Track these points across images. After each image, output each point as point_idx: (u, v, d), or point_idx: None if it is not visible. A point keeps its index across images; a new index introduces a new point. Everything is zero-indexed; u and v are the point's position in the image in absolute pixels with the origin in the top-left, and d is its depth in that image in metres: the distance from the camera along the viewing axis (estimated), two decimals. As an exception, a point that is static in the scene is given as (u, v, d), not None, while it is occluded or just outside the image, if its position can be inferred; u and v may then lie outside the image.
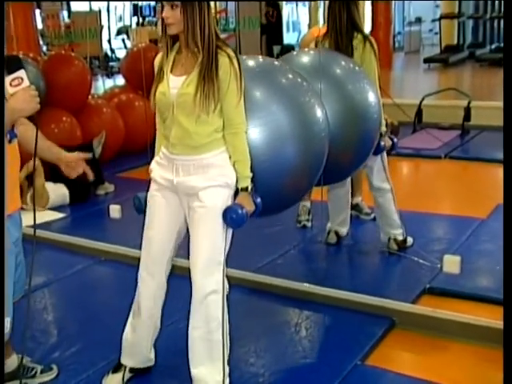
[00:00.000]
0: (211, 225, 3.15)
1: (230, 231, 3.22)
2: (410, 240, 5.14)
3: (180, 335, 3.41)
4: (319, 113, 3.68)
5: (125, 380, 3.50)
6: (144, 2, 21.47)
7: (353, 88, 4.24)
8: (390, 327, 4.02)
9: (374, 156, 4.73)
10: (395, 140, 4.87)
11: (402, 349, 3.93)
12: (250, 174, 3.20)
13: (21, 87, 2.65)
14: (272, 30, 16.98)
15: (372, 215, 5.80)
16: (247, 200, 3.19)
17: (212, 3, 3.19)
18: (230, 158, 3.17)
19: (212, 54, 3.04)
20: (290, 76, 3.71)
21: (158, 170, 3.30)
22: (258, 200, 3.24)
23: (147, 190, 3.38)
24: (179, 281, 3.46)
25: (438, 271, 4.60)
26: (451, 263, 4.37)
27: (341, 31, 4.70)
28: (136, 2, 23.79)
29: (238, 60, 3.10)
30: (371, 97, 4.31)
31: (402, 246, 5.07)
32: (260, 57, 3.91)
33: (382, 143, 4.65)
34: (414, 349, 3.90)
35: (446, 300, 4.32)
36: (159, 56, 3.24)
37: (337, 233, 5.29)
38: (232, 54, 3.08)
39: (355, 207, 5.92)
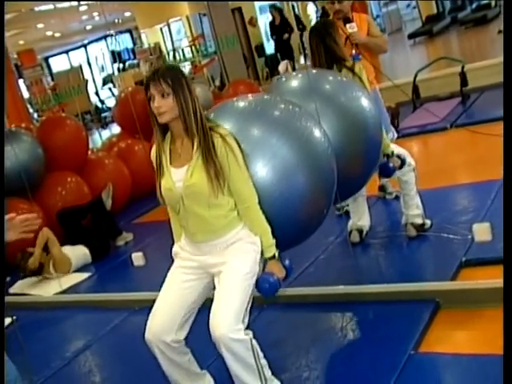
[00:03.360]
0: (236, 283, 3.11)
1: (250, 289, 3.16)
2: (427, 222, 5.00)
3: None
4: (318, 133, 3.64)
5: None
6: (122, 47, 21.64)
7: (345, 99, 4.19)
8: (435, 309, 3.94)
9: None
10: (402, 157, 4.72)
11: (452, 328, 3.83)
12: (273, 242, 3.20)
13: None
14: (284, 46, 16.71)
15: (394, 194, 5.78)
16: (277, 267, 3.20)
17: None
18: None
19: (207, 135, 3.06)
20: (282, 106, 3.68)
21: (185, 251, 3.30)
22: (287, 262, 3.27)
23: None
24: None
25: (470, 242, 4.52)
26: (482, 231, 4.30)
27: (320, 65, 4.65)
28: (114, 49, 23.93)
29: (232, 136, 3.11)
30: (365, 102, 4.24)
31: (421, 230, 4.94)
32: (249, 95, 3.87)
33: (391, 165, 4.58)
34: (464, 325, 3.82)
35: (484, 269, 4.23)
36: (154, 149, 3.24)
37: (359, 230, 5.18)
38: (224, 132, 3.11)
39: (380, 188, 5.82)
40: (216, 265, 3.19)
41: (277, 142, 3.41)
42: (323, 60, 4.64)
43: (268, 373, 3.19)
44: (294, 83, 4.37)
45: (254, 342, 3.07)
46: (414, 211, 4.95)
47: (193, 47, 9.26)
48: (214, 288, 3.23)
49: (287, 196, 3.37)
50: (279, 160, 3.38)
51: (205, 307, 3.31)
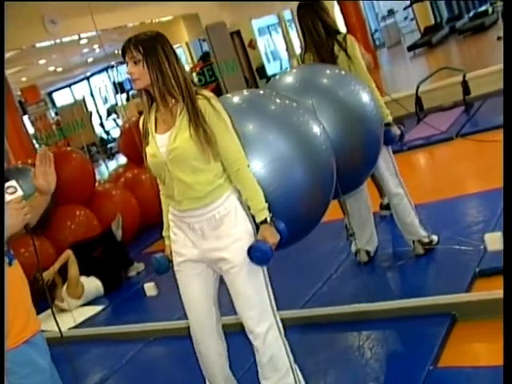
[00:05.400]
0: (248, 280, 3.14)
1: (266, 274, 3.19)
2: (435, 238, 4.93)
3: None
4: (316, 128, 3.62)
5: None
6: (123, 77, 21.67)
7: (344, 93, 4.18)
8: (451, 322, 3.90)
9: (386, 154, 4.66)
10: (403, 128, 4.76)
11: (470, 341, 3.79)
12: (266, 205, 3.13)
13: (15, 196, 2.57)
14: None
15: None
16: (269, 232, 3.11)
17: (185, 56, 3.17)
18: (238, 196, 3.14)
19: (192, 99, 3.02)
20: (278, 100, 3.67)
21: (177, 242, 3.26)
22: (282, 226, 3.17)
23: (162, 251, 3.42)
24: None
25: (482, 253, 4.48)
26: (494, 241, 4.25)
27: (320, 41, 4.66)
28: (116, 80, 24.01)
29: (216, 99, 3.08)
30: (364, 97, 4.23)
31: (428, 248, 4.87)
32: (244, 91, 3.87)
33: (392, 132, 4.59)
34: (483, 337, 3.77)
35: (499, 279, 4.16)
36: (141, 117, 3.22)
37: (367, 252, 5.11)
38: (209, 94, 3.07)
39: (387, 207, 5.82)
40: (212, 257, 3.15)
41: (273, 137, 3.40)
42: (322, 35, 4.64)
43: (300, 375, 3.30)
44: (290, 79, 4.37)
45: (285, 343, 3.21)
46: (418, 233, 4.89)
47: (194, 74, 9.28)
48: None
49: (284, 187, 3.35)
50: (276, 155, 3.36)
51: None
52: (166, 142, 3.04)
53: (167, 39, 3.09)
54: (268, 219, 3.11)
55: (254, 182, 3.13)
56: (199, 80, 9.49)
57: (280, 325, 3.24)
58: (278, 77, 4.89)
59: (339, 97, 4.14)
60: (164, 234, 3.40)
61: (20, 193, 2.59)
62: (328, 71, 4.36)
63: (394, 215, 5.02)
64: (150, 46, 3.00)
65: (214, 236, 3.12)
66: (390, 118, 4.61)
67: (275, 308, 3.22)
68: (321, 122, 3.74)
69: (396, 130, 4.67)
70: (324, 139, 3.64)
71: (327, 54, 4.64)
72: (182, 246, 3.23)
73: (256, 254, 3.07)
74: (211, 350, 3.37)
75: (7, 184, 2.57)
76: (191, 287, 3.29)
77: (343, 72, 4.40)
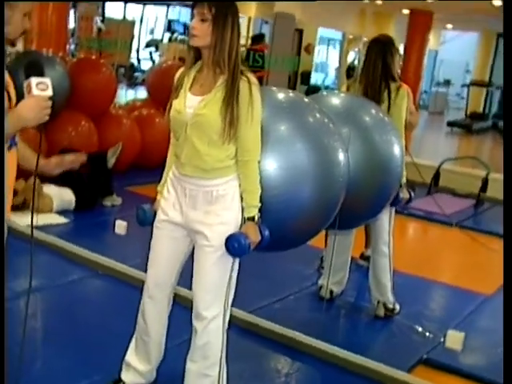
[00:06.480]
0: (217, 264, 3.13)
1: (236, 269, 3.18)
2: (397, 308, 4.95)
3: (181, 362, 3.34)
4: (341, 157, 3.60)
5: None
6: (177, 18, 21.57)
7: (379, 138, 4.15)
8: (380, 394, 3.90)
9: (388, 210, 4.66)
10: (413, 194, 4.76)
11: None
12: (259, 205, 3.13)
13: (44, 94, 2.54)
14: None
15: None
16: (253, 230, 3.10)
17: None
18: (239, 185, 3.12)
19: (236, 77, 3.00)
20: (318, 116, 3.63)
21: (167, 200, 3.25)
22: (266, 233, 3.15)
23: (152, 202, 3.38)
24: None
25: (437, 344, 4.49)
26: (455, 339, 4.22)
27: (373, 80, 4.67)
28: (171, 18, 23.89)
29: (257, 87, 3.05)
30: (396, 150, 4.21)
31: (389, 314, 4.89)
32: (291, 91, 3.85)
33: (401, 195, 4.56)
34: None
35: (441, 374, 4.21)
36: (180, 71, 3.20)
37: (331, 291, 5.10)
38: (253, 79, 3.05)
39: (367, 259, 5.84)
40: (194, 228, 3.14)
41: (299, 147, 3.36)
42: (377, 73, 4.67)
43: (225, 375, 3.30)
44: (337, 101, 4.36)
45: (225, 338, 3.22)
46: (386, 296, 4.90)
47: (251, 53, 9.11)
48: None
49: (287, 196, 3.31)
50: (294, 164, 3.33)
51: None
52: (195, 105, 3.03)
53: (238, 11, 3.08)
54: (256, 218, 3.12)
55: (257, 179, 3.12)
56: (246, 59, 9.33)
57: (227, 318, 3.23)
58: (325, 93, 4.88)
59: (374, 139, 4.12)
60: (159, 188, 3.38)
61: (50, 93, 2.54)
62: (374, 111, 4.34)
63: (370, 270, 5.02)
64: (222, 11, 2.98)
65: (203, 210, 3.11)
66: (403, 180, 4.59)
67: (230, 301, 3.21)
68: (348, 155, 3.72)
69: (405, 194, 4.66)
70: (344, 171, 3.63)
71: (374, 94, 4.64)
72: (170, 207, 3.22)
73: (234, 243, 3.05)
74: (157, 309, 3.37)
75: (40, 79, 2.51)
76: (162, 245, 3.29)
77: (387, 118, 4.39)
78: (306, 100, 3.75)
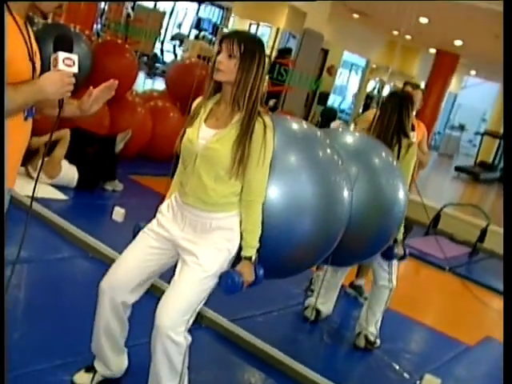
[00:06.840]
0: (196, 283, 3.07)
1: (209, 290, 3.12)
2: (378, 342, 4.92)
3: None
4: (346, 195, 3.60)
5: (94, 382, 3.42)
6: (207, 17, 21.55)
7: (386, 182, 4.15)
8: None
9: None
10: (407, 252, 4.73)
11: None
12: (257, 245, 3.13)
13: (70, 70, 2.52)
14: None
15: (366, 301, 5.66)
16: (248, 269, 3.11)
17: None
18: (240, 222, 3.12)
19: (253, 117, 3.00)
20: (328, 151, 3.63)
21: (165, 216, 3.23)
22: (261, 272, 3.17)
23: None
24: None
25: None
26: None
27: (385, 131, 4.67)
28: (201, 16, 23.92)
29: (272, 131, 3.05)
30: (400, 195, 4.20)
31: (369, 347, 4.86)
32: (304, 122, 3.84)
33: (396, 250, 4.56)
34: None
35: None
36: (198, 100, 3.19)
37: (318, 310, 5.10)
38: (269, 123, 3.05)
39: (356, 288, 5.80)
40: (185, 246, 3.10)
41: (304, 179, 3.36)
42: (391, 127, 4.65)
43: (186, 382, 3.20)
44: (350, 140, 4.35)
45: (187, 349, 3.07)
46: (371, 328, 4.88)
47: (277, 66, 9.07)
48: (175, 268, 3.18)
49: (286, 227, 3.30)
50: (296, 195, 3.33)
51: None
52: (208, 138, 3.02)
53: (265, 51, 3.09)
54: (253, 259, 3.12)
55: (259, 220, 3.13)
56: (270, 71, 9.29)
57: (189, 323, 3.09)
58: (340, 129, 4.87)
59: (381, 184, 4.11)
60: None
61: (75, 70, 2.52)
62: (385, 155, 4.33)
63: (368, 299, 5.00)
64: (250, 50, 2.98)
65: (200, 235, 3.11)
66: (400, 236, 4.57)
67: (195, 313, 3.11)
68: (352, 193, 3.71)
69: (400, 250, 4.62)
70: (346, 210, 3.63)
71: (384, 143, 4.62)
72: (167, 223, 3.20)
73: (227, 280, 3.07)
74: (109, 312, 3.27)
75: (68, 54, 2.50)
76: (139, 252, 3.23)
77: (396, 164, 4.39)
78: (319, 134, 3.75)
